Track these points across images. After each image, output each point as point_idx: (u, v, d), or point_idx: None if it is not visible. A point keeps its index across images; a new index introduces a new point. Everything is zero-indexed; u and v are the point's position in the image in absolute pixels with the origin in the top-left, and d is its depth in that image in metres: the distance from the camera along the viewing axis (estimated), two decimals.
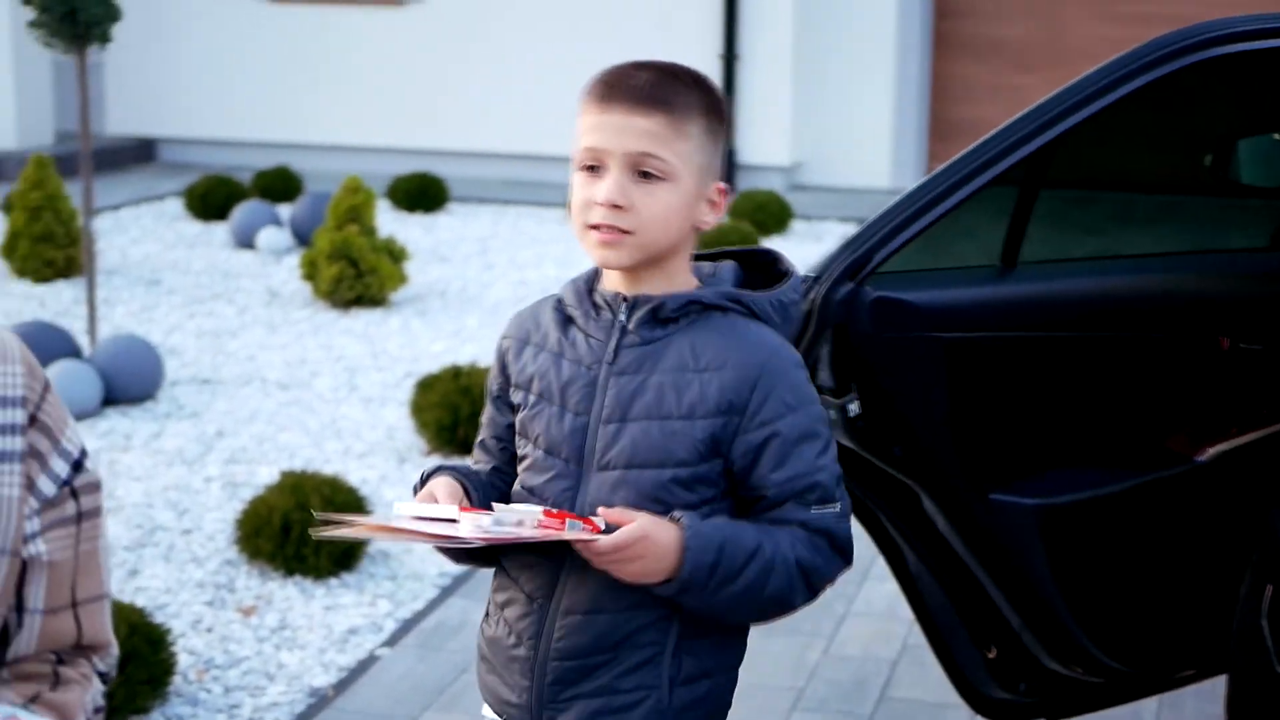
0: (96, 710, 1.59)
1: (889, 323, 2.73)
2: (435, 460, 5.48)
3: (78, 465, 1.57)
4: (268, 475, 5.60)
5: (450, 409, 5.84)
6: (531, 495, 2.21)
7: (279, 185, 10.86)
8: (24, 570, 1.54)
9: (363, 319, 7.94)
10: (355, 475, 5.61)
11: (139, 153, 12.59)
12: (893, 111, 11.92)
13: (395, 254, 8.22)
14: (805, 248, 9.80)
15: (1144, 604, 3.17)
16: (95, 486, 1.59)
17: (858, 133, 11.79)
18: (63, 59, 10.77)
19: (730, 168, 11.85)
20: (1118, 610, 3.13)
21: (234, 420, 6.34)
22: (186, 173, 11.83)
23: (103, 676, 1.62)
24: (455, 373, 5.97)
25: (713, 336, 2.17)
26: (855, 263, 2.72)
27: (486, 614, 2.32)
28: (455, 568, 4.94)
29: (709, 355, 2.15)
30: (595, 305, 2.22)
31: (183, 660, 4.25)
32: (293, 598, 4.70)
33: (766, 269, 2.28)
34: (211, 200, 10.33)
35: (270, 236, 9.33)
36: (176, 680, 4.12)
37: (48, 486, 1.55)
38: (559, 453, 2.20)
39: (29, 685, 1.54)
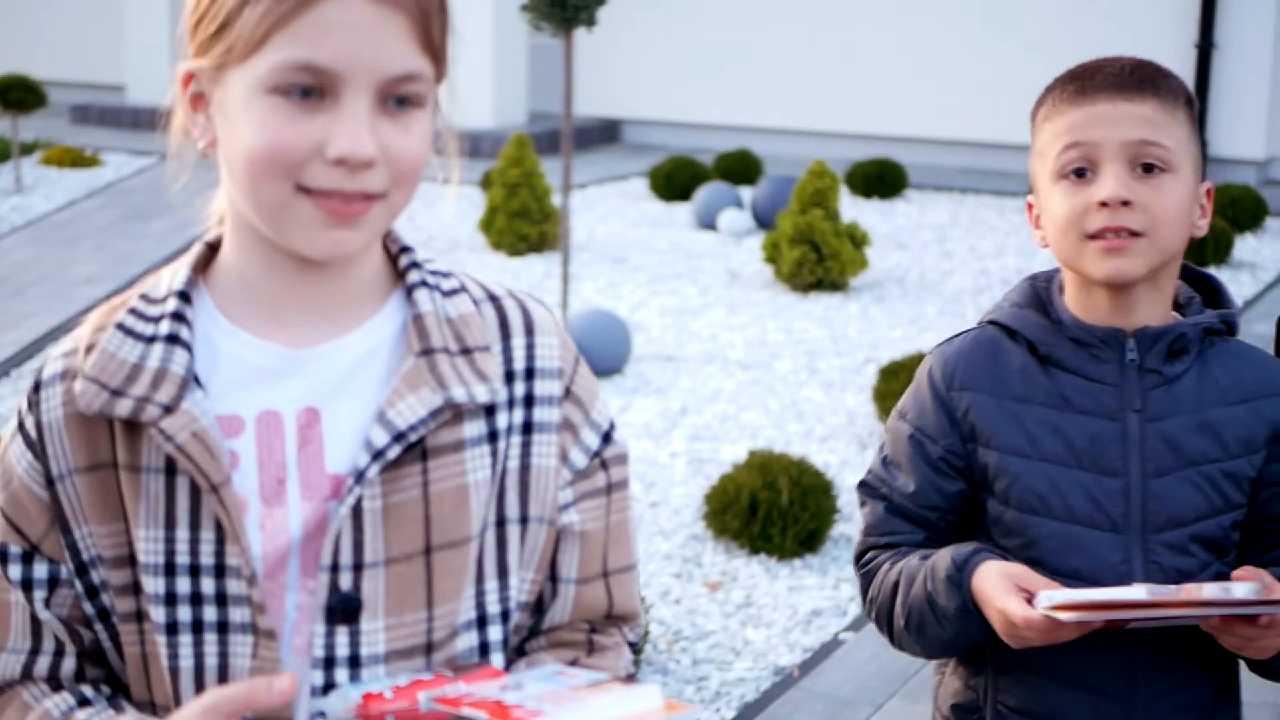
0: (629, 676, 1.63)
1: None
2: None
3: (607, 437, 1.61)
4: (731, 453, 5.70)
5: None
6: (1076, 579, 1.89)
7: (739, 168, 11.01)
8: (558, 540, 1.58)
9: (822, 303, 7.98)
10: (817, 458, 5.64)
11: (604, 134, 12.97)
12: None
13: (857, 239, 8.22)
14: (1278, 246, 9.36)
15: None
16: (623, 458, 1.62)
17: None
18: (537, 42, 11.20)
19: (1202, 160, 11.40)
20: None
21: (697, 398, 6.47)
22: (649, 154, 12.12)
23: (632, 646, 1.67)
24: (920, 359, 5.93)
25: (1234, 364, 1.97)
26: None
27: None
28: None
29: (1244, 386, 1.96)
30: (1080, 342, 1.94)
31: (653, 630, 4.35)
32: (757, 575, 4.76)
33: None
34: (675, 181, 10.55)
35: (731, 218, 9.47)
36: (647, 649, 4.23)
37: (580, 458, 1.58)
38: (1100, 523, 1.91)
39: (566, 651, 1.59)
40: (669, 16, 12.70)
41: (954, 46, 11.92)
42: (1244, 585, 1.82)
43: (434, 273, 1.56)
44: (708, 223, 9.62)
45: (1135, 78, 1.92)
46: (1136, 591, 1.79)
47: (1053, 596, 1.78)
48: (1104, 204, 1.89)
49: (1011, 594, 1.82)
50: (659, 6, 12.70)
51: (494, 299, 1.58)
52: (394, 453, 1.47)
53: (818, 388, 6.64)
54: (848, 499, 5.28)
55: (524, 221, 8.68)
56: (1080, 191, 1.91)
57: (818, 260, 8.04)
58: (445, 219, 9.08)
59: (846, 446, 5.91)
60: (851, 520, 5.17)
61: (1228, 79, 11.24)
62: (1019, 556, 1.93)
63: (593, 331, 6.66)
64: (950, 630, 1.94)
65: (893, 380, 5.91)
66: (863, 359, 7.02)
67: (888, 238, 9.51)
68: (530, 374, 1.56)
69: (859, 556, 2.07)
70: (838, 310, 7.87)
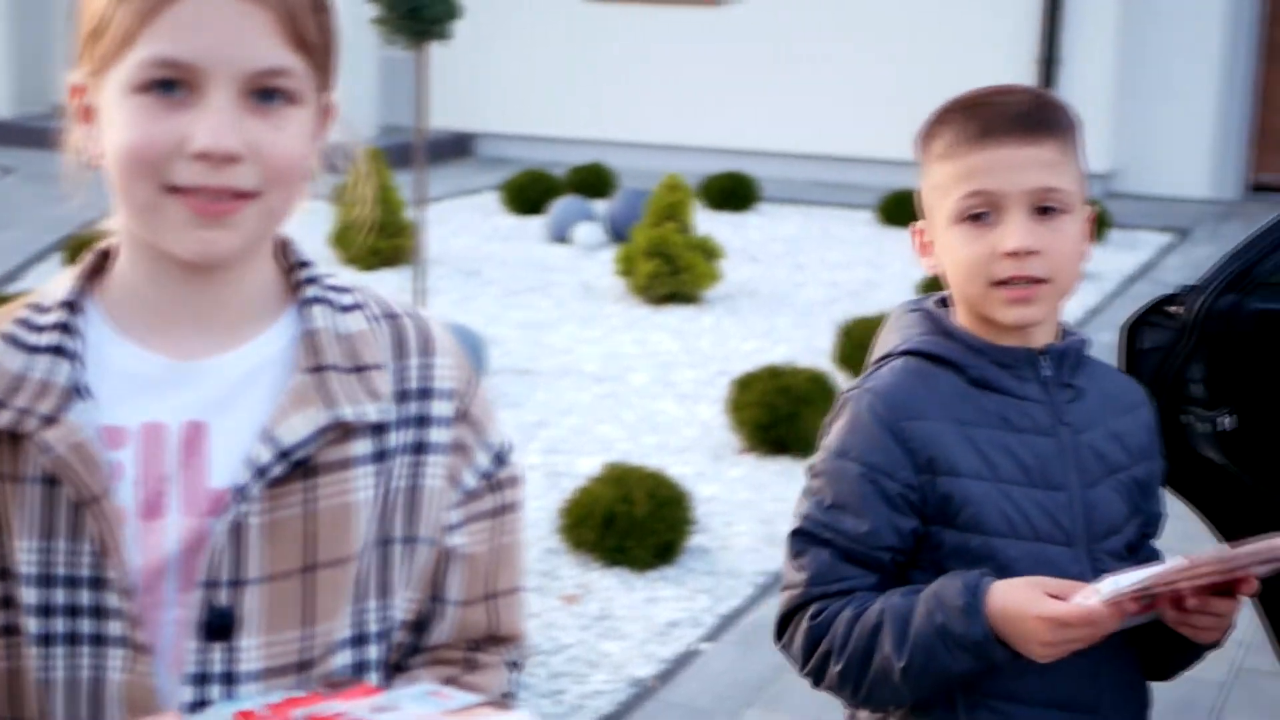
0: (505, 696, 1.62)
1: (1273, 335, 2.64)
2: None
3: (500, 459, 1.60)
4: (586, 466, 5.70)
5: (768, 408, 5.85)
6: None
7: (592, 181, 11.04)
8: (444, 561, 1.57)
9: (676, 315, 8.02)
10: (673, 470, 5.64)
11: (457, 147, 12.93)
12: (1215, 120, 11.56)
13: (710, 252, 8.27)
14: (1121, 257, 9.57)
15: None
16: (516, 481, 1.61)
17: (1178, 140, 11.46)
18: (389, 54, 11.13)
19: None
20: None
21: (552, 411, 6.46)
22: (502, 167, 12.10)
23: (513, 666, 1.65)
24: (773, 372, 5.98)
25: (1103, 377, 2.04)
26: (1238, 274, 2.63)
27: None
28: (775, 565, 4.96)
29: (1123, 397, 2.03)
30: (1000, 363, 1.95)
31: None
32: (613, 588, 4.76)
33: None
34: (528, 195, 10.55)
35: (585, 232, 9.48)
36: None
37: (470, 479, 1.57)
38: (1056, 538, 1.92)
39: (444, 669, 1.58)
40: (522, 30, 12.69)
41: (803, 61, 12.05)
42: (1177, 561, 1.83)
43: (332, 288, 1.54)
44: (561, 236, 9.63)
45: (1035, 119, 1.91)
46: (1178, 561, 1.79)
47: (1115, 585, 1.77)
48: (1011, 253, 1.88)
49: (1047, 600, 1.80)
50: (513, 20, 12.68)
51: (391, 317, 1.57)
52: (278, 470, 1.45)
53: (672, 400, 6.66)
54: (703, 510, 5.31)
55: (377, 236, 8.62)
56: (983, 237, 1.90)
57: (671, 273, 8.08)
58: (294, 232, 8.99)
59: (701, 458, 5.93)
60: (708, 531, 5.19)
61: (1071, 92, 11.47)
62: None
63: None
64: (965, 662, 1.86)
65: (746, 391, 5.95)
66: (716, 371, 7.06)
67: (740, 250, 9.58)
68: (425, 394, 1.54)
69: (796, 609, 1.96)
70: (691, 323, 7.91)
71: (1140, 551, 2.03)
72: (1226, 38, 11.36)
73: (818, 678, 1.96)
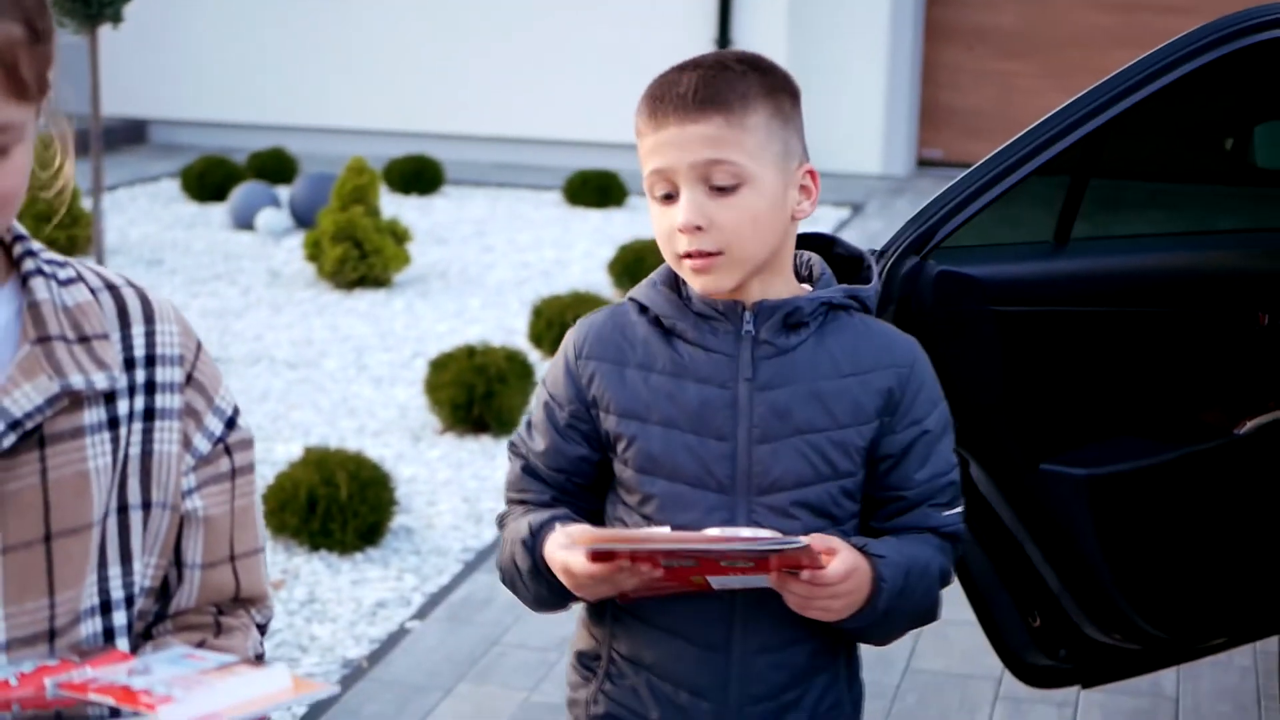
0: (257, 657, 1.65)
1: (950, 296, 2.79)
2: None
3: (231, 423, 1.63)
4: (285, 452, 5.65)
5: (464, 388, 5.88)
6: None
7: (275, 166, 10.88)
8: (183, 525, 1.59)
9: (367, 299, 7.98)
10: (372, 452, 5.64)
11: (130, 134, 12.59)
12: (884, 98, 11.99)
13: (399, 235, 8.25)
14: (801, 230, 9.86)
15: (1183, 573, 3.23)
16: (248, 443, 1.64)
17: (850, 118, 11.85)
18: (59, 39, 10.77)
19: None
20: (1158, 578, 3.20)
21: (246, 398, 6.38)
22: (179, 154, 11.84)
23: (261, 628, 1.68)
24: (469, 351, 6.01)
25: (850, 338, 2.05)
26: (920, 238, 2.77)
27: (619, 676, 2.12)
28: (479, 542, 5.00)
29: (858, 358, 2.04)
30: (702, 315, 2.02)
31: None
32: (319, 572, 4.74)
33: (824, 251, 2.18)
34: (209, 181, 10.34)
35: (269, 217, 9.35)
36: None
37: (203, 444, 1.60)
38: (706, 484, 2.00)
39: (193, 634, 1.60)
40: (198, 14, 12.42)
41: (486, 44, 12.08)
42: (763, 532, 1.93)
43: (49, 261, 1.56)
44: (245, 223, 9.47)
45: (699, 97, 1.95)
46: (661, 531, 1.93)
47: (590, 538, 1.92)
48: (681, 229, 1.96)
49: (569, 550, 1.94)
50: (187, 4, 12.39)
51: (112, 287, 1.59)
52: (9, 441, 1.46)
53: (368, 383, 6.64)
54: (405, 490, 5.32)
55: (51, 225, 8.34)
56: (667, 214, 1.98)
57: (360, 257, 8.04)
58: None
59: (400, 440, 5.93)
60: (411, 511, 5.21)
61: None
62: (638, 513, 2.04)
63: None
64: (531, 589, 2.07)
65: (442, 372, 5.97)
66: (411, 353, 7.06)
67: (428, 233, 9.57)
68: (151, 361, 1.57)
69: (504, 514, 2.19)
70: (383, 306, 7.88)
71: (845, 520, 2.06)
72: (891, 18, 11.79)
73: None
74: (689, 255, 1.96)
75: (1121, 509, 3.11)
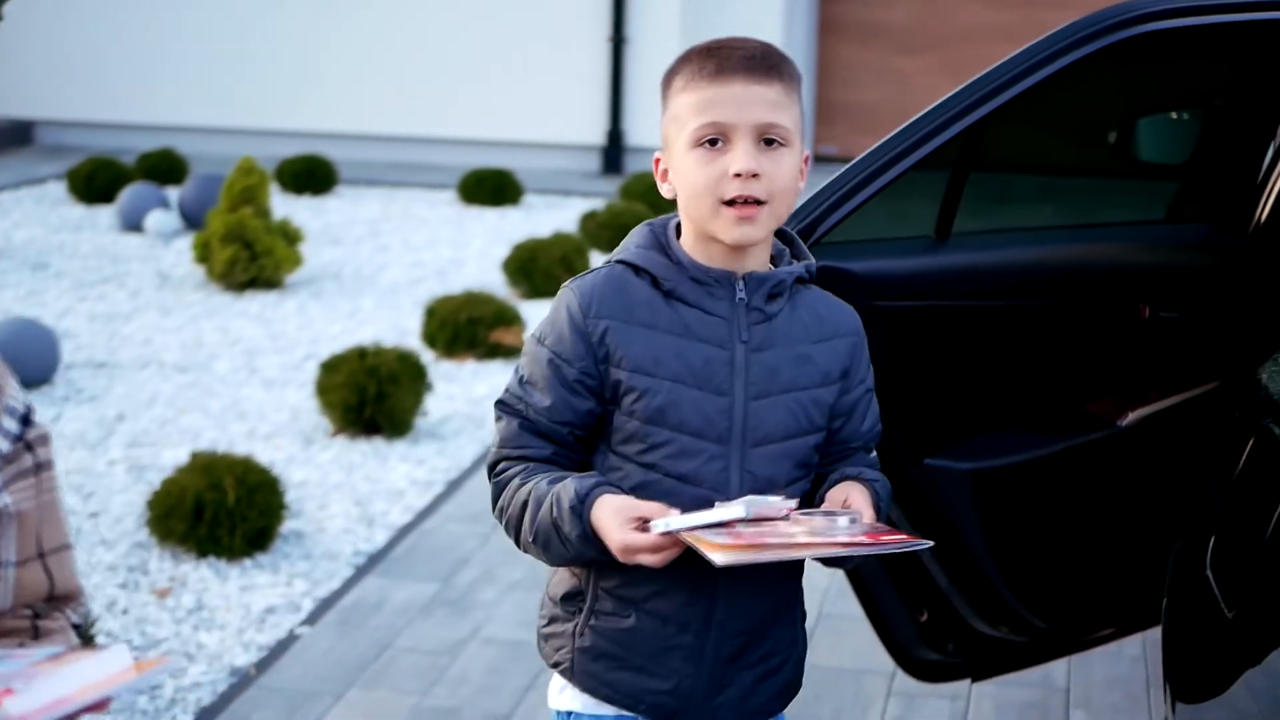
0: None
1: (830, 290, 2.79)
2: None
3: (26, 420, 1.61)
4: (173, 457, 5.57)
5: (356, 389, 5.82)
6: (683, 481, 2.19)
7: (164, 167, 10.74)
8: None
9: (258, 301, 7.88)
10: (263, 456, 5.57)
11: (16, 135, 12.38)
12: None
13: (290, 236, 8.17)
14: None
15: (1069, 565, 3.25)
16: (46, 439, 1.65)
17: None
18: None
19: (620, 150, 11.89)
20: (1044, 571, 3.21)
21: (134, 403, 6.28)
22: (65, 155, 11.65)
23: (76, 629, 1.66)
24: (360, 353, 5.94)
25: (814, 308, 2.28)
26: (800, 233, 2.76)
27: (605, 612, 2.27)
28: (371, 546, 4.95)
29: (823, 326, 2.27)
30: (699, 280, 2.21)
31: (99, 643, 4.21)
32: (207, 579, 4.67)
33: None
34: (96, 183, 10.19)
35: (158, 219, 9.22)
36: None
37: (2, 443, 1.57)
38: (708, 435, 2.19)
39: (10, 639, 1.58)
40: (84, 12, 12.23)
41: (378, 41, 11.99)
42: (844, 517, 2.13)
43: None
44: (133, 225, 9.34)
45: (764, 64, 2.16)
46: (735, 508, 2.05)
47: (668, 523, 2.06)
48: (738, 175, 2.13)
49: (625, 527, 2.10)
50: (73, 2, 12.20)
51: None
52: None
53: (259, 386, 6.56)
54: (296, 495, 5.25)
55: None
56: (715, 161, 2.15)
57: (251, 259, 7.94)
58: None
59: (291, 443, 5.86)
60: (301, 516, 5.14)
61: (640, 71, 11.76)
62: (639, 461, 2.21)
63: (16, 341, 6.34)
64: (573, 551, 2.19)
65: (333, 374, 5.90)
66: (303, 355, 6.98)
67: (321, 234, 9.48)
68: None
69: (492, 467, 2.30)
70: (274, 308, 7.79)
71: (812, 470, 2.28)
72: (785, 15, 11.82)
73: (502, 524, 2.28)
74: (735, 202, 2.14)
75: (1006, 502, 3.12)
